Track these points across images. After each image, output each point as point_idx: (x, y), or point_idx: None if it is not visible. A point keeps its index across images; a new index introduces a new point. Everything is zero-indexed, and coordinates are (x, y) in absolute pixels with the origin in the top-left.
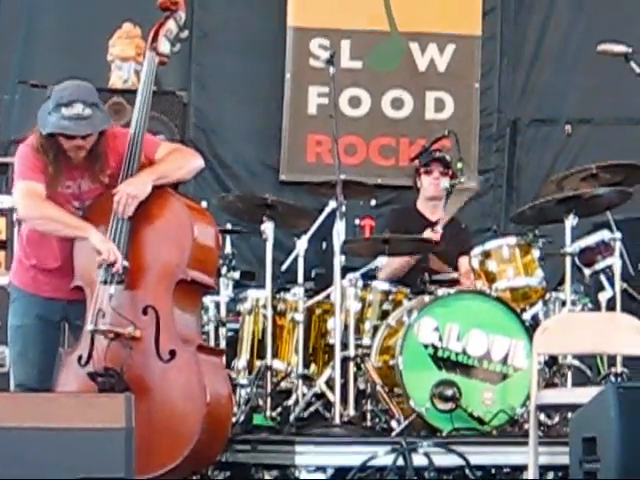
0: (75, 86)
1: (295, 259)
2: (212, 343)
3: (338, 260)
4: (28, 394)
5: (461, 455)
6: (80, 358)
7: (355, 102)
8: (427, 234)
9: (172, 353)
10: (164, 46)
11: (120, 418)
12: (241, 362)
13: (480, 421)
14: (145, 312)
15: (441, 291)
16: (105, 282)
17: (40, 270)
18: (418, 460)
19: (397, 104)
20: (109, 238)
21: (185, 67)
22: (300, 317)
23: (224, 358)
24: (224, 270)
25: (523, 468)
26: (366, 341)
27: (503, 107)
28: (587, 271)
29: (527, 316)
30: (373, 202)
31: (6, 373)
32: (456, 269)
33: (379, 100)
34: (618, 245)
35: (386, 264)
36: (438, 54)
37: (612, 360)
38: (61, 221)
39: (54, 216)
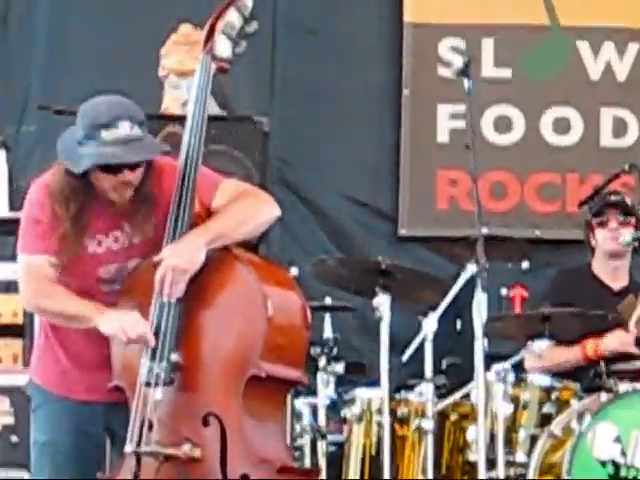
0: (112, 100)
1: (421, 345)
2: (308, 462)
3: (480, 345)
4: None
5: None
6: None
7: (503, 124)
8: (615, 339)
9: (244, 479)
10: (223, 47)
11: None
12: None
13: None
14: (206, 423)
15: (623, 386)
16: (148, 384)
17: (71, 363)
18: None
19: (562, 126)
20: (154, 305)
21: (265, 83)
22: (429, 425)
23: None
24: (323, 361)
25: None
26: (521, 457)
27: None
28: None
29: None
30: (526, 264)
31: None
32: None
33: (536, 121)
34: None
35: (547, 356)
36: (617, 57)
37: None
38: (63, 314)
39: (52, 308)
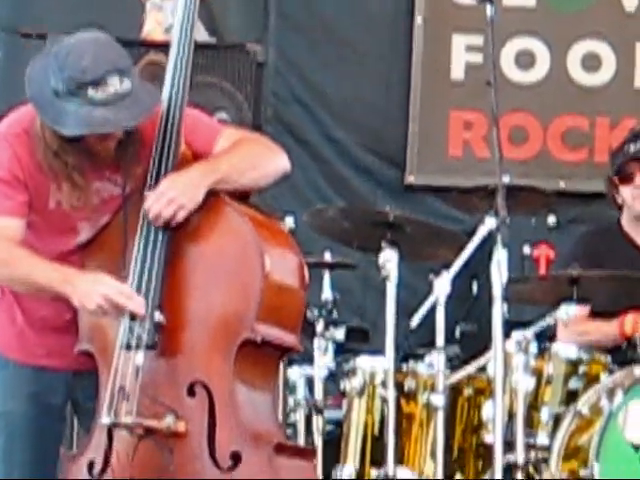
0: (96, 46)
1: (432, 309)
2: (302, 441)
3: (499, 310)
4: None
5: None
6: (92, 465)
7: (526, 60)
8: None
9: (235, 457)
10: None
11: None
12: (347, 470)
13: None
14: (192, 392)
15: None
16: (128, 347)
17: (29, 324)
18: None
19: (591, 64)
20: (136, 259)
21: (259, 7)
22: (439, 400)
23: (317, 462)
24: (320, 326)
25: None
26: (542, 439)
27: None
28: None
29: None
30: (552, 219)
31: None
32: None
33: (563, 57)
34: None
35: (581, 329)
36: None
37: None
38: (29, 282)
39: (19, 276)
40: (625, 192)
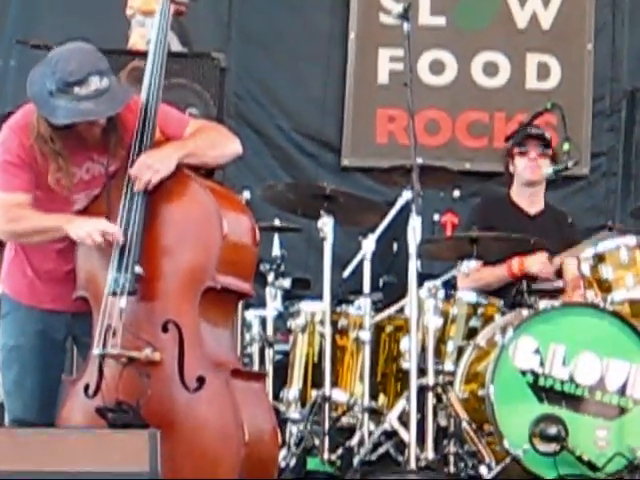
0: (80, 53)
1: (360, 263)
2: (256, 368)
3: (413, 265)
4: (29, 430)
5: None
6: (87, 388)
7: (438, 67)
8: (537, 263)
9: (200, 380)
10: None
11: (143, 460)
12: (292, 392)
13: (591, 466)
14: (165, 329)
15: (543, 304)
16: (114, 293)
17: (37, 276)
18: None
19: (490, 70)
20: (120, 222)
21: (223, 22)
22: (366, 336)
23: (268, 385)
24: (271, 277)
25: None
26: (449, 366)
27: (618, 75)
28: None
29: None
30: (457, 193)
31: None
32: (561, 276)
33: (468, 65)
34: None
35: (477, 276)
36: (542, 7)
37: None
38: (35, 230)
39: (24, 228)
40: (519, 163)
